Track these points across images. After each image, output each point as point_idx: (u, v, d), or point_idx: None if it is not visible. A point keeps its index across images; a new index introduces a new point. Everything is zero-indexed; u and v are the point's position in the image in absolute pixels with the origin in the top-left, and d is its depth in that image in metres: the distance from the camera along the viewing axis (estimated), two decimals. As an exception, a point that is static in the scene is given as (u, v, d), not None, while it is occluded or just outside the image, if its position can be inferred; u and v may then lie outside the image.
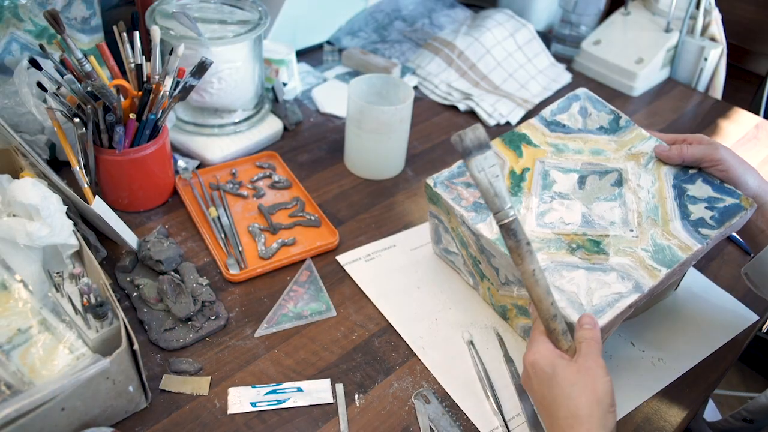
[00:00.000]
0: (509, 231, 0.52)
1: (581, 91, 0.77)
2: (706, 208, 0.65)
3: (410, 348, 0.68)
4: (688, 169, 0.69)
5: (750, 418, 0.76)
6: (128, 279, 0.72)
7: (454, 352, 0.69)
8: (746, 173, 0.64)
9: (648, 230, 0.65)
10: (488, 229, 0.66)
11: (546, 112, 0.76)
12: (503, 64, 1.18)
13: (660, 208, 0.66)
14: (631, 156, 0.71)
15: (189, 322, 0.67)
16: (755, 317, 0.76)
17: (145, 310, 0.68)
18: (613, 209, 0.67)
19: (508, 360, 0.68)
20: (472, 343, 0.69)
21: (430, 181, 0.71)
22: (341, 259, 0.79)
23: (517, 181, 0.70)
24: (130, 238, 0.75)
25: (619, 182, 0.69)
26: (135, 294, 0.70)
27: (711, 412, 0.97)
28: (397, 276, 0.77)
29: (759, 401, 0.74)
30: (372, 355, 0.68)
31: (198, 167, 0.91)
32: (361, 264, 0.78)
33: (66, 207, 0.65)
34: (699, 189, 0.67)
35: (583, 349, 0.51)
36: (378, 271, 0.77)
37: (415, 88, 1.15)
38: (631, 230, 0.65)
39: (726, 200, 0.65)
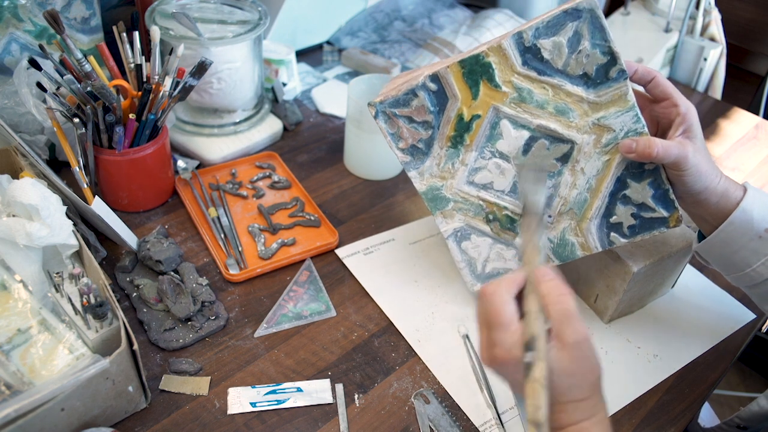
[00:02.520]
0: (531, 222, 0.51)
1: (588, 2, 0.57)
2: (632, 214, 0.63)
3: (410, 348, 0.68)
4: (645, 163, 0.60)
5: (743, 425, 0.76)
6: (128, 279, 0.72)
7: (450, 345, 0.69)
8: (700, 177, 0.59)
9: (563, 221, 0.65)
10: (419, 180, 0.68)
11: (530, 29, 0.59)
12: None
13: (587, 203, 0.64)
14: (596, 128, 0.61)
15: (189, 322, 0.67)
16: (752, 316, 0.76)
17: (145, 310, 0.68)
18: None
19: None
20: (467, 337, 0.69)
21: (371, 108, 0.66)
22: (340, 252, 0.79)
23: (461, 130, 0.65)
24: (130, 238, 0.75)
25: (566, 158, 0.63)
26: (135, 294, 0.70)
27: (709, 417, 0.96)
28: (395, 269, 0.77)
29: (751, 409, 0.74)
30: (372, 355, 0.68)
31: (198, 167, 0.91)
32: (360, 257, 0.79)
33: (66, 207, 0.65)
34: (640, 191, 0.62)
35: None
36: (376, 265, 0.78)
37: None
38: (549, 216, 0.65)
39: (656, 212, 0.62)
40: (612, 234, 0.64)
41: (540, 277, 0.45)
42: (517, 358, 0.43)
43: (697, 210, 0.62)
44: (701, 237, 0.65)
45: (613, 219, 0.64)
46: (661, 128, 0.63)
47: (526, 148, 0.64)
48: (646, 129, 0.60)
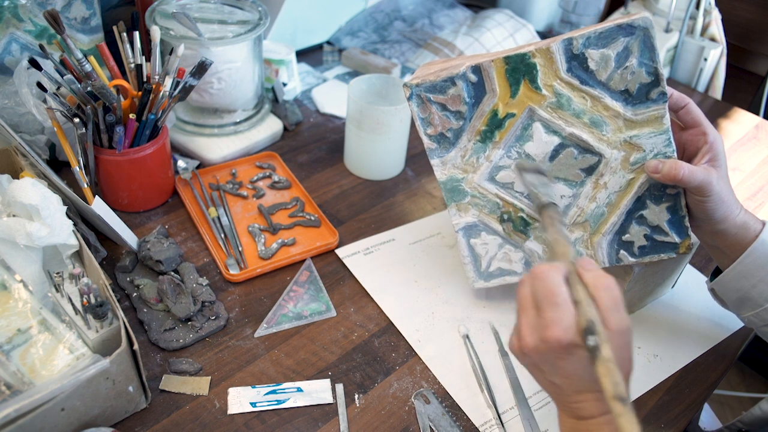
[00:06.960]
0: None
1: (644, 20, 0.57)
2: (644, 235, 0.63)
3: (410, 348, 0.68)
4: (667, 186, 0.62)
5: (746, 429, 0.76)
6: (128, 279, 0.72)
7: (450, 345, 0.69)
8: (722, 205, 0.59)
9: (576, 232, 0.66)
10: (441, 169, 0.68)
11: (581, 36, 0.59)
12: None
13: (604, 217, 0.64)
14: (627, 145, 0.61)
15: (189, 322, 0.67)
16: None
17: (145, 310, 0.68)
18: (563, 198, 0.65)
19: (503, 354, 0.68)
20: (467, 336, 0.69)
21: (406, 89, 0.65)
22: (340, 252, 0.79)
23: (493, 126, 0.64)
24: (130, 238, 0.75)
25: (591, 170, 0.63)
26: (135, 294, 0.70)
27: (710, 420, 0.96)
28: (396, 270, 0.77)
29: (754, 413, 0.74)
30: (372, 355, 0.68)
31: (198, 167, 0.91)
32: (360, 257, 0.79)
33: (66, 207, 0.65)
34: (657, 214, 0.62)
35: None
36: (376, 265, 0.78)
37: (415, 88, 1.15)
38: (564, 224, 0.65)
39: (669, 237, 0.63)
40: (621, 252, 0.65)
41: (584, 266, 0.46)
42: (571, 339, 0.43)
43: (716, 241, 0.62)
44: (716, 274, 0.66)
45: (626, 237, 0.64)
46: (686, 155, 0.63)
47: (554, 154, 0.64)
48: (675, 154, 0.61)
